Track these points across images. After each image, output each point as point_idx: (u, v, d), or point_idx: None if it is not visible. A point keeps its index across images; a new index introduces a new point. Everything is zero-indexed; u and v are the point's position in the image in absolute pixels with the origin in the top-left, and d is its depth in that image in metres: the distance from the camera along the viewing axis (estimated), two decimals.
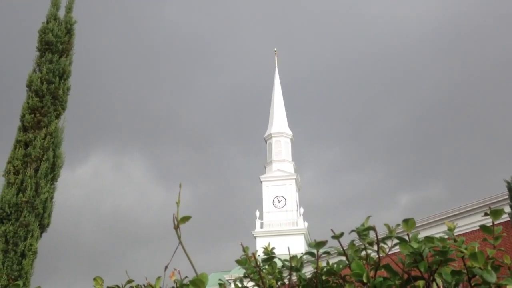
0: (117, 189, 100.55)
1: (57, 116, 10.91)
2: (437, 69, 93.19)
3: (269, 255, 1.70)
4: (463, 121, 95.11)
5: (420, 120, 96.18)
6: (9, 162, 10.08)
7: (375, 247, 1.42)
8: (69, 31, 11.92)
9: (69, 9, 12.22)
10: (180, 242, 1.33)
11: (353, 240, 1.50)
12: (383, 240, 1.43)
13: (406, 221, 1.40)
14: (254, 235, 39.82)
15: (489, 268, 1.28)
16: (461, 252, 1.32)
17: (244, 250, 1.66)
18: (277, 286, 1.69)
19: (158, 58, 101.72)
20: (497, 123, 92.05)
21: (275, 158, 43.70)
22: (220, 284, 1.95)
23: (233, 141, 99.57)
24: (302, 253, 1.59)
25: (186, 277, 1.47)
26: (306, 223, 40.49)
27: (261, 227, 40.27)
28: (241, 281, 1.78)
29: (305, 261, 1.70)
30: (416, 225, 1.47)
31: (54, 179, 10.36)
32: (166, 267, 1.42)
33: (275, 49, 50.94)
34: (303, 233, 39.25)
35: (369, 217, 1.48)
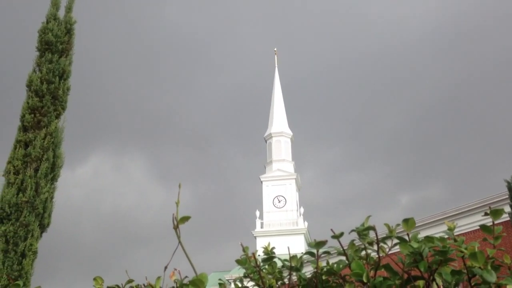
0: (117, 189, 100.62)
1: (57, 116, 10.91)
2: (437, 69, 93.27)
3: (269, 255, 1.70)
4: (463, 121, 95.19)
5: (420, 120, 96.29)
6: (9, 162, 10.09)
7: (375, 247, 1.42)
8: (69, 31, 11.92)
9: (69, 9, 12.22)
10: (179, 242, 1.33)
11: (353, 240, 1.49)
12: (383, 240, 1.43)
13: (406, 221, 1.40)
14: (254, 235, 39.82)
15: (489, 267, 1.27)
16: (461, 251, 1.32)
17: (244, 250, 1.66)
18: (277, 286, 1.69)
19: (158, 58, 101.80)
20: (497, 123, 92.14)
21: (275, 158, 43.70)
22: (220, 284, 1.95)
23: (233, 141, 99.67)
24: (302, 253, 1.59)
25: (186, 276, 1.48)
26: (306, 223, 40.50)
27: (261, 227, 40.26)
28: (241, 281, 1.78)
29: (305, 261, 1.70)
30: (416, 225, 1.47)
31: (54, 179, 10.36)
32: (165, 268, 1.42)
33: (275, 49, 50.98)
34: (303, 233, 39.26)
35: (369, 217, 1.47)
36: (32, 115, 10.54)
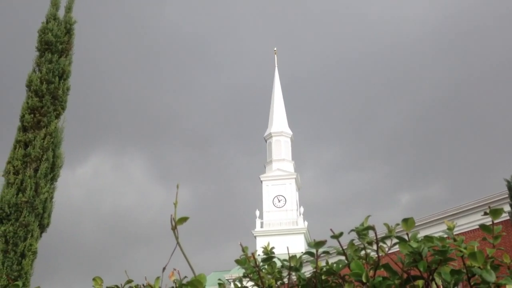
0: (117, 189, 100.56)
1: (57, 116, 10.91)
2: (437, 69, 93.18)
3: (269, 255, 1.70)
4: (463, 121, 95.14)
5: (420, 120, 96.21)
6: (8, 162, 10.09)
7: (375, 247, 1.42)
8: (68, 31, 11.92)
9: (68, 9, 12.22)
10: (177, 243, 1.33)
11: (352, 240, 1.49)
12: (383, 239, 1.43)
13: (405, 220, 1.39)
14: (254, 235, 39.83)
15: (489, 267, 1.27)
16: (461, 251, 1.32)
17: (243, 250, 1.66)
18: (276, 285, 1.69)
19: (158, 58, 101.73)
20: (497, 123, 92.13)
21: (275, 157, 43.70)
22: (219, 284, 1.95)
23: (233, 141, 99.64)
24: (302, 252, 1.58)
25: (186, 277, 1.47)
26: (306, 223, 40.51)
27: (261, 227, 40.28)
28: (241, 281, 1.78)
29: (305, 261, 1.70)
30: (416, 225, 1.47)
31: (54, 179, 10.36)
32: (164, 269, 1.41)
33: (275, 49, 50.97)
34: (303, 233, 39.27)
35: (368, 216, 1.47)
36: (32, 115, 10.53)
